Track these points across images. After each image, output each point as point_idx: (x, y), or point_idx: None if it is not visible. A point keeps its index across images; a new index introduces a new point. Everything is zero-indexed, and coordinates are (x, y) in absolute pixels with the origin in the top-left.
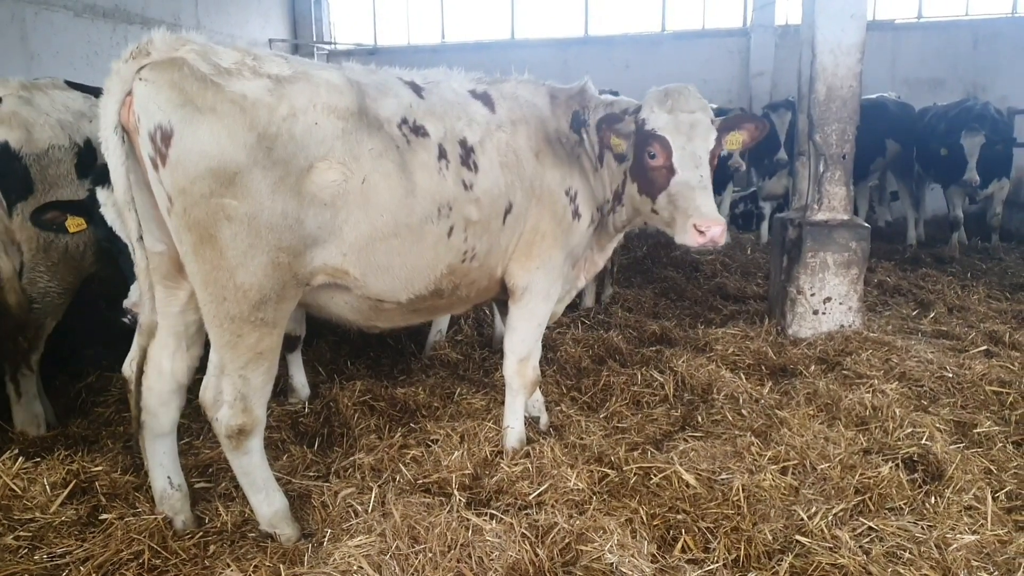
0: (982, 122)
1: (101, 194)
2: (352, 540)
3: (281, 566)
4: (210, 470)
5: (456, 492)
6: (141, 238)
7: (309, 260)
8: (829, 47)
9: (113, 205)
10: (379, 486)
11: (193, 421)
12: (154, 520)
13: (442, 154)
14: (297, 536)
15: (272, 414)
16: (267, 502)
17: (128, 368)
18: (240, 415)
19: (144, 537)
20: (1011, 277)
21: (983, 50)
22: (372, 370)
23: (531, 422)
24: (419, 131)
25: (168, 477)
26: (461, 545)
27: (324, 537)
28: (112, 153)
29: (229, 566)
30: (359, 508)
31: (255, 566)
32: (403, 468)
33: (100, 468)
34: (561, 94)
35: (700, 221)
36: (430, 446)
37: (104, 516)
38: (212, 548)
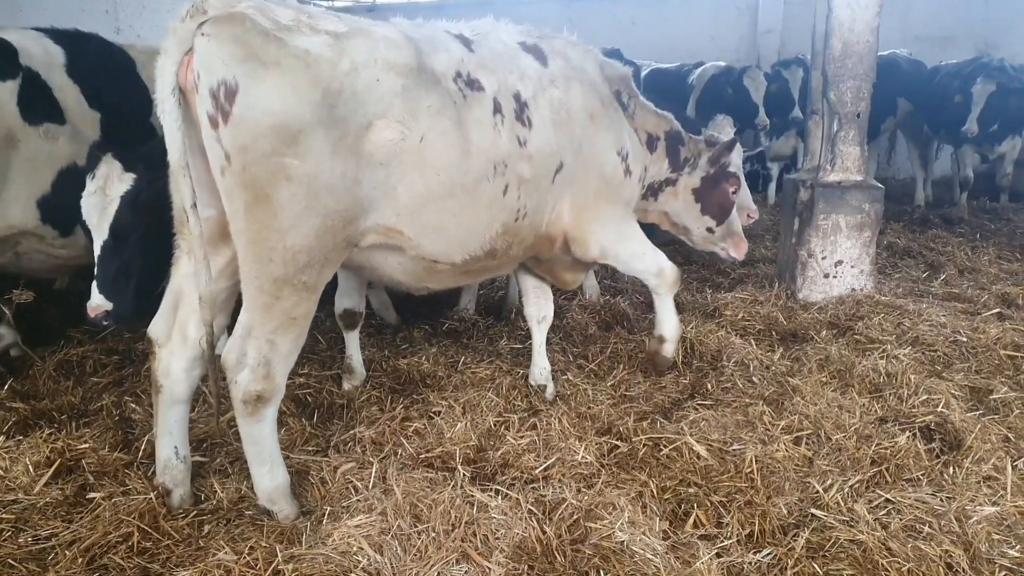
0: (1001, 75)
1: (88, 181)
2: (352, 519)
3: (278, 546)
4: (204, 445)
5: (460, 467)
6: (195, 204)
7: (362, 221)
8: (846, 1)
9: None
10: (380, 461)
11: None
12: (145, 500)
13: (497, 109)
14: (296, 514)
15: None
16: (270, 475)
17: (154, 329)
18: (261, 380)
19: (134, 518)
20: (1020, 238)
21: (995, 7)
22: (374, 339)
23: (538, 391)
24: (473, 85)
25: (175, 447)
26: (465, 523)
27: (323, 515)
28: (169, 116)
29: (223, 547)
30: (359, 484)
31: (251, 547)
32: (405, 442)
33: (87, 445)
34: (607, 67)
35: (744, 242)
36: (433, 418)
37: (92, 496)
38: (207, 528)
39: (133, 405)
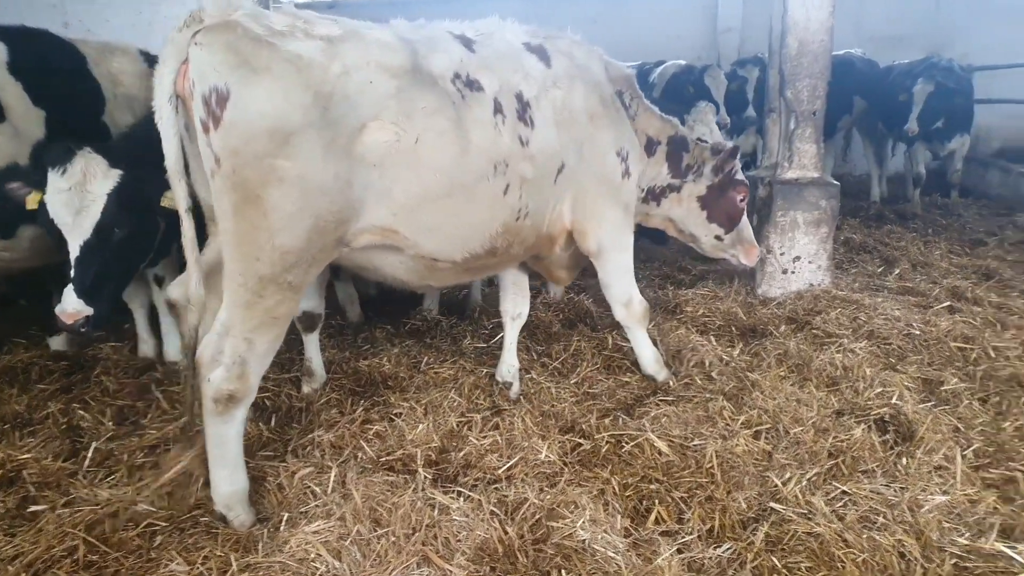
0: (945, 76)
1: (51, 177)
2: (310, 525)
3: (233, 555)
4: (158, 451)
5: (421, 469)
6: (189, 209)
7: (354, 222)
8: (801, 0)
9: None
10: (339, 465)
11: (138, 399)
12: (91, 511)
13: (498, 108)
14: (252, 521)
15: None
16: (230, 480)
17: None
18: (235, 380)
19: (79, 530)
20: (970, 232)
21: (945, 8)
22: (335, 340)
23: (503, 387)
24: (473, 85)
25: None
26: (427, 526)
27: (280, 522)
28: (165, 123)
29: (175, 558)
30: (318, 489)
31: (204, 556)
32: (365, 445)
33: (29, 455)
34: (612, 68)
35: (756, 248)
36: (394, 420)
37: (34, 508)
38: (159, 539)
39: (82, 412)
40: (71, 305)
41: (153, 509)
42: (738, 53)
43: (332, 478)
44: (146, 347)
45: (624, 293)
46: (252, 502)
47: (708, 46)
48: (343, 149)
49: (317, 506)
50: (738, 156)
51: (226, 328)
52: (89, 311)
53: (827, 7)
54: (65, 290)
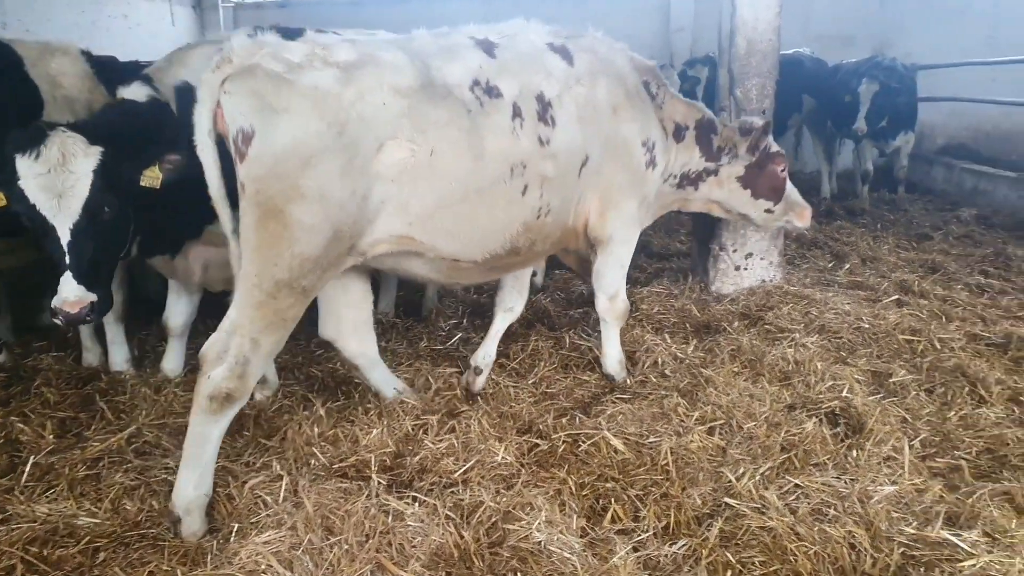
0: (888, 75)
1: (22, 163)
2: (260, 536)
3: (180, 569)
4: (101, 463)
5: (375, 475)
6: (235, 231)
7: (370, 232)
8: (749, 0)
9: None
10: (291, 473)
11: (81, 411)
12: (30, 528)
13: (516, 112)
14: (203, 533)
15: (177, 398)
16: (196, 483)
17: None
18: (235, 379)
19: (17, 549)
20: (916, 227)
21: (889, 8)
22: (287, 345)
23: (472, 372)
24: (492, 92)
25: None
26: (380, 532)
27: (230, 533)
28: (206, 155)
29: (119, 575)
30: (269, 499)
31: (150, 572)
32: (317, 452)
33: None
34: (636, 61)
35: (807, 210)
36: (348, 425)
37: None
38: (102, 555)
39: (21, 426)
40: (72, 293)
41: (96, 522)
42: (690, 52)
43: (284, 487)
44: (91, 356)
45: (613, 286)
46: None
47: (661, 46)
48: (360, 168)
49: (268, 516)
50: (770, 131)
51: (234, 327)
52: (93, 297)
53: (774, 7)
54: (62, 279)
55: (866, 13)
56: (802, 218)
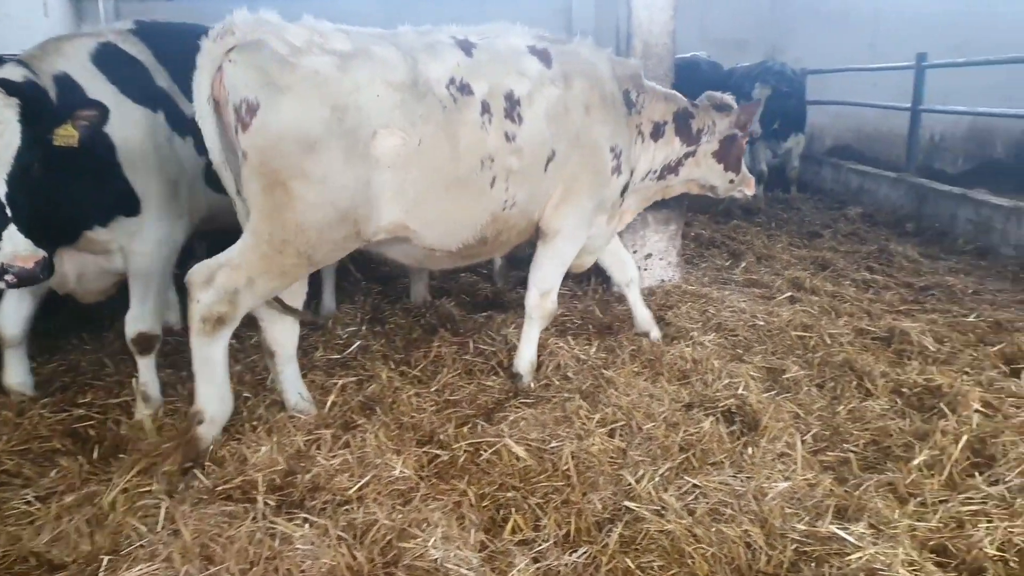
0: (779, 79)
1: None
2: (131, 570)
3: None
4: None
5: (262, 496)
6: (239, 192)
7: (375, 219)
8: (644, 2)
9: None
10: (170, 499)
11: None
12: None
13: (485, 109)
14: (218, 436)
15: (43, 421)
16: (219, 400)
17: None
18: (226, 304)
19: None
20: (808, 225)
21: (779, 13)
22: (170, 359)
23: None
24: (465, 89)
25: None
26: (266, 559)
27: (99, 568)
28: (206, 121)
29: None
30: (143, 528)
31: None
32: (199, 474)
33: None
34: (619, 67)
35: (752, 179)
36: (233, 444)
37: None
38: None
39: None
40: (23, 247)
41: None
42: None
43: (162, 514)
44: None
45: (548, 281)
46: (67, 545)
47: None
48: (360, 153)
49: (141, 547)
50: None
51: (228, 260)
52: (44, 253)
53: (668, 9)
54: (5, 233)
55: (758, 18)
56: (750, 186)
